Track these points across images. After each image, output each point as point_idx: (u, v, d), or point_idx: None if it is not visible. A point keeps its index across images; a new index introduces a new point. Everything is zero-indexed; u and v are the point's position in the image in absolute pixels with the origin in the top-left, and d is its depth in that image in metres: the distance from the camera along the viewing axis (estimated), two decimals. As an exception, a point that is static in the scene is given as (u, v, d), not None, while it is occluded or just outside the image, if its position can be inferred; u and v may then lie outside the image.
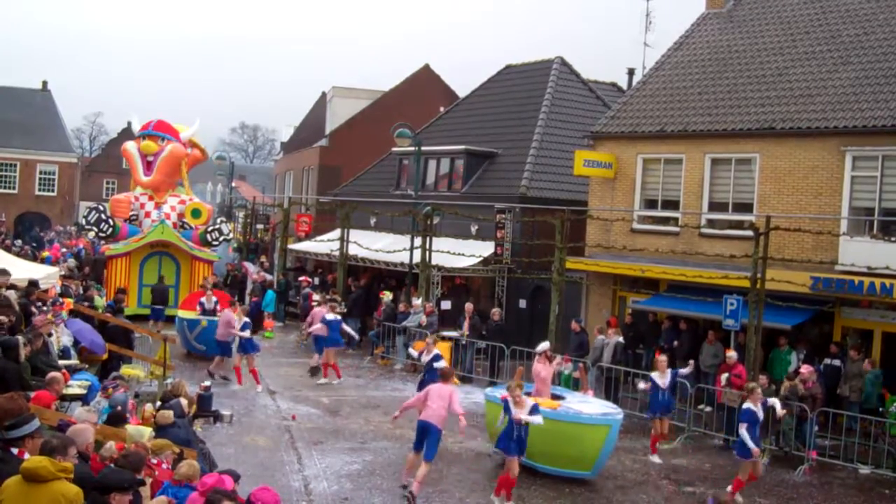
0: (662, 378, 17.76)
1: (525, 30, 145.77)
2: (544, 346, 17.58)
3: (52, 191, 68.30)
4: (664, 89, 26.62)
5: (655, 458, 17.40)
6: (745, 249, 20.91)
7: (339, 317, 23.35)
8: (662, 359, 18.31)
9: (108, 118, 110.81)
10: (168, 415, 12.59)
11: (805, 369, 18.43)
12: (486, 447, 17.19)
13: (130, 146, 32.98)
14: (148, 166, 32.45)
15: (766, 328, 20.05)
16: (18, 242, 48.42)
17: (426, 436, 14.05)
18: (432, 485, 14.86)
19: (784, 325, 20.64)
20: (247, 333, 21.80)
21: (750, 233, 20.35)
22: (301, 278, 34.44)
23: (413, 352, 21.67)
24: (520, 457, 14.07)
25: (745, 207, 23.13)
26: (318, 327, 22.92)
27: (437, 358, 18.62)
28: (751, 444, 14.84)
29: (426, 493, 14.58)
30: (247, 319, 22.18)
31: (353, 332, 25.07)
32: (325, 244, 35.60)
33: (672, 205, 24.99)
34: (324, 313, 23.14)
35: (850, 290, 19.67)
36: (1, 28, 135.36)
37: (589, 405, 16.41)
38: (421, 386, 18.17)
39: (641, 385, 18.62)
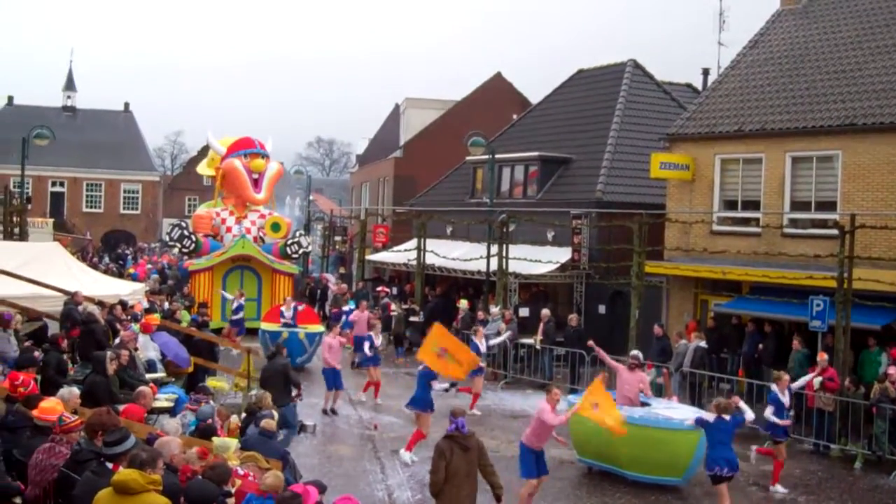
0: (784, 396, 16.39)
1: (597, 34, 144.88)
2: (634, 353, 17.42)
3: (137, 209, 70.15)
4: (741, 88, 26.19)
5: (780, 489, 15.90)
6: (829, 249, 20.45)
7: (372, 335, 22.69)
8: (786, 376, 16.82)
9: (188, 136, 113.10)
10: (271, 423, 12.68)
11: (893, 370, 17.89)
12: (569, 455, 17.05)
13: (238, 164, 32.92)
14: (255, 183, 32.89)
15: (854, 329, 19.54)
16: (106, 260, 49.73)
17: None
18: (515, 493, 14.77)
19: (873, 326, 20.08)
20: (367, 348, 21.96)
21: (834, 232, 19.89)
22: (379, 288, 34.68)
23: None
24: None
25: (829, 206, 22.61)
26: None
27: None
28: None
29: (509, 501, 14.50)
30: (371, 334, 22.32)
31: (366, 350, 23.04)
32: (402, 254, 35.81)
33: (752, 205, 24.55)
34: (365, 321, 24.16)
35: (942, 288, 19.10)
36: (85, 53, 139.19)
37: (676, 411, 16.18)
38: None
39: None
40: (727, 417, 13.94)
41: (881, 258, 20.19)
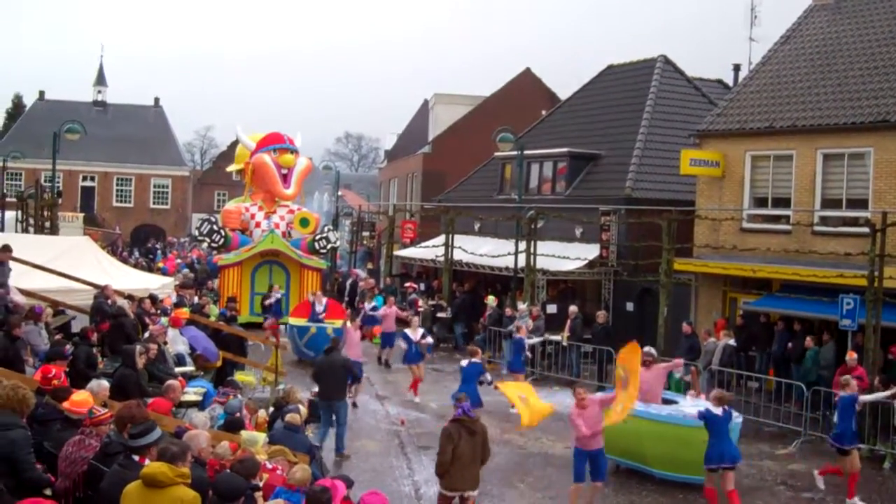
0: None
1: (628, 30, 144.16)
2: (645, 350, 17.31)
3: (166, 204, 70.66)
4: (772, 84, 25.99)
5: (858, 501, 15.12)
6: (860, 247, 20.26)
7: (406, 332, 22.79)
8: (853, 381, 16.09)
9: (217, 132, 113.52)
10: (296, 418, 12.76)
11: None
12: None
13: (267, 159, 33.03)
14: (284, 179, 33.04)
15: (885, 328, 19.34)
16: (136, 254, 50.13)
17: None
18: (541, 490, 14.79)
19: (904, 325, 19.90)
20: (429, 340, 22.49)
21: (866, 230, 19.70)
22: (407, 284, 34.72)
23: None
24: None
25: (860, 203, 22.40)
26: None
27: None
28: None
29: (536, 499, 14.53)
30: (422, 330, 22.46)
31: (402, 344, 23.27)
32: (429, 250, 35.82)
33: (783, 202, 24.36)
34: (393, 317, 24.99)
35: (975, 287, 18.88)
36: (116, 48, 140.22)
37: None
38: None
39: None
40: (725, 409, 14.01)
41: (913, 257, 20.01)
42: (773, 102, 25.22)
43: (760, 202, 25.17)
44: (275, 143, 33.42)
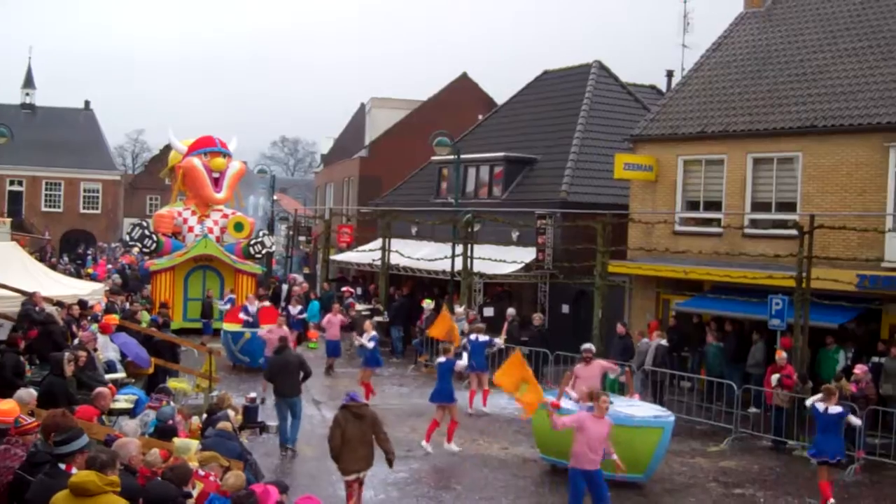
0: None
1: (563, 36, 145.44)
2: (585, 346, 17.52)
3: (97, 208, 69.37)
4: (704, 90, 26.40)
5: None
6: (789, 249, 20.67)
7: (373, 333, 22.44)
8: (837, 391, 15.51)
9: (149, 135, 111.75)
10: (227, 424, 12.67)
11: (859, 369, 18.04)
12: (532, 453, 17.11)
13: (197, 162, 32.77)
14: (216, 183, 32.66)
15: (812, 328, 19.78)
16: (65, 260, 49.16)
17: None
18: (478, 491, 14.83)
19: (831, 324, 20.34)
20: (371, 344, 21.84)
21: (794, 232, 20.11)
22: (343, 289, 34.59)
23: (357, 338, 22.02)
24: None
25: (789, 207, 22.86)
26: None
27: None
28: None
29: (473, 500, 14.57)
30: (374, 333, 22.11)
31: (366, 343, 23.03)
32: (366, 254, 35.74)
33: (714, 206, 24.76)
34: (338, 324, 24.96)
35: (898, 287, 19.36)
36: (44, 50, 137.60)
37: (638, 408, 16.28)
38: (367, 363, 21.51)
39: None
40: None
41: (839, 258, 20.48)
42: (705, 108, 25.62)
43: (692, 205, 25.54)
44: (206, 146, 33.12)
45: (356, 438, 12.51)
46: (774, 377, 18.80)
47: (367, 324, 22.71)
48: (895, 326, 20.82)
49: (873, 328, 21.08)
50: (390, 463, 12.82)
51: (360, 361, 23.66)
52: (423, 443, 17.19)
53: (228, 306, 28.35)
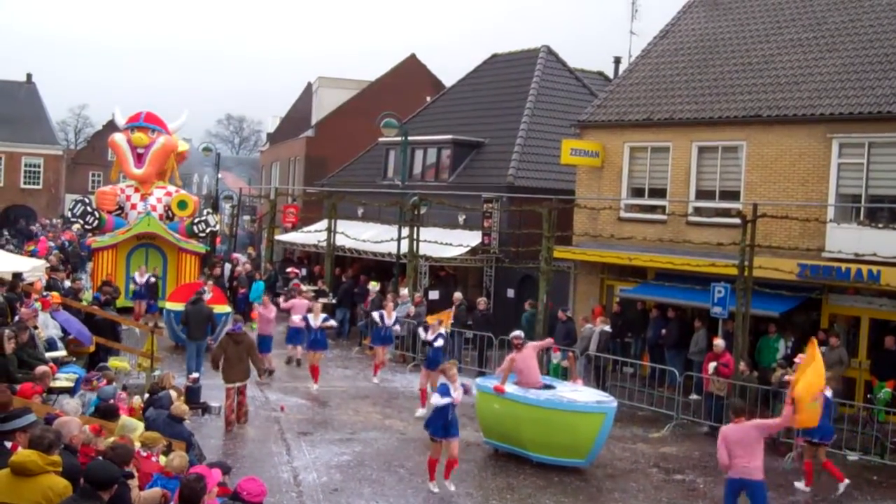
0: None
1: (513, 19, 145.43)
2: (514, 334, 17.41)
3: (38, 184, 67.96)
4: (650, 78, 26.61)
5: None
6: (732, 237, 20.93)
7: (308, 317, 22.18)
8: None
9: (93, 110, 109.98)
10: (184, 409, 12.61)
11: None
12: (475, 437, 17.18)
13: (119, 138, 32.46)
14: (139, 158, 32.17)
15: (753, 316, 20.03)
16: (6, 235, 48.20)
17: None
18: (421, 474, 14.86)
19: (772, 313, 20.66)
20: (332, 322, 22.88)
21: (737, 220, 20.34)
22: (288, 269, 34.35)
23: (422, 332, 21.37)
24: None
25: (732, 195, 23.14)
26: (295, 319, 22.92)
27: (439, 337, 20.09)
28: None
29: (416, 484, 14.60)
30: (324, 315, 22.16)
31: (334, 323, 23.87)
32: (312, 235, 35.53)
33: (659, 193, 25.00)
34: (304, 308, 22.82)
35: (838, 277, 19.70)
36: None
37: (580, 394, 16.42)
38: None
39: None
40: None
41: (781, 247, 20.80)
42: (652, 95, 25.82)
43: (638, 192, 25.77)
44: (133, 121, 32.86)
45: (235, 357, 17.01)
46: (711, 365, 19.04)
47: (317, 305, 22.57)
48: (835, 316, 21.25)
49: (814, 317, 21.48)
50: (260, 374, 18.66)
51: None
52: (430, 483, 14.59)
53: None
